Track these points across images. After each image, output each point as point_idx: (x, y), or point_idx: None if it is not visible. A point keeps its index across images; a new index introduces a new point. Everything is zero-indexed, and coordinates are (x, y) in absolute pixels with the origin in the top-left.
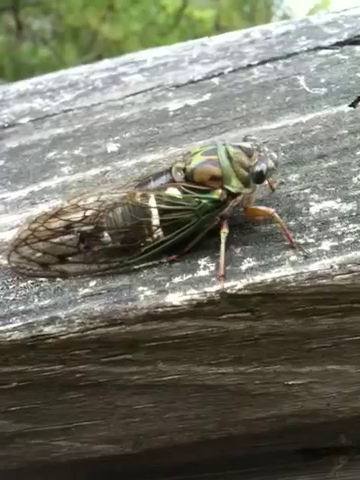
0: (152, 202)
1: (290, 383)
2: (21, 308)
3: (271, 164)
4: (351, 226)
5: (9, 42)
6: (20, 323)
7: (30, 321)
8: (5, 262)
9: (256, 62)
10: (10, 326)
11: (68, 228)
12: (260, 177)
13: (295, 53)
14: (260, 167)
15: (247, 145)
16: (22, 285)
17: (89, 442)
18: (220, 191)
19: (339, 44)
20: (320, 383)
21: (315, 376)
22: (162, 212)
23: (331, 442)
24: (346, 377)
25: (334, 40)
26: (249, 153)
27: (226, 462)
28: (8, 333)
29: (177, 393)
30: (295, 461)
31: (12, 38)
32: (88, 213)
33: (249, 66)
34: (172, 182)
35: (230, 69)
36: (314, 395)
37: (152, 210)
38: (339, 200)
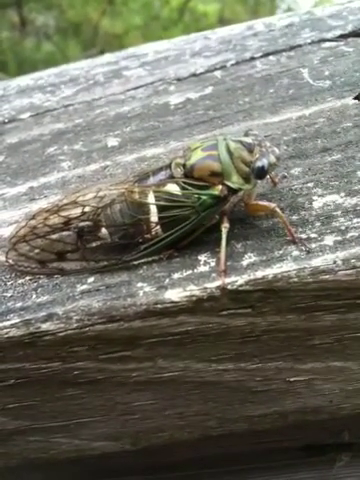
0: (151, 199)
1: (292, 380)
2: (19, 305)
3: (273, 159)
4: (355, 220)
5: (13, 38)
6: (18, 320)
7: (28, 318)
8: (3, 259)
9: (259, 55)
10: (7, 323)
11: (66, 224)
12: (261, 173)
13: (299, 45)
14: (261, 163)
15: (248, 140)
16: (20, 282)
17: (88, 439)
18: (220, 187)
19: (343, 36)
20: (322, 380)
21: (317, 373)
22: (161, 209)
23: (334, 439)
24: (349, 374)
25: (338, 32)
26: (250, 148)
27: (227, 459)
28: (5, 330)
29: (177, 390)
30: (297, 458)
31: (16, 34)
32: (86, 209)
33: (252, 59)
34: (171, 178)
35: (233, 62)
36: (316, 392)
37: (151, 207)
38: (343, 194)
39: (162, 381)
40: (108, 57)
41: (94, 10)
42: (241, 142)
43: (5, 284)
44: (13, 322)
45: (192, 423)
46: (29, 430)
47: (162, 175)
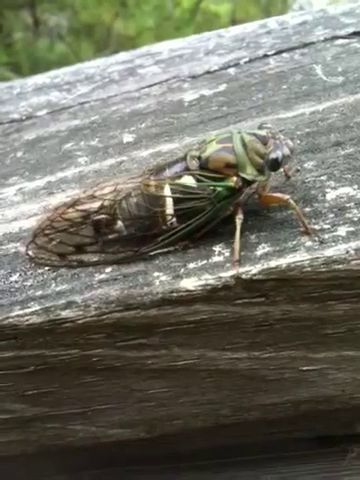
0: (167, 191)
1: (304, 369)
2: (39, 293)
3: (287, 151)
4: None
5: (26, 39)
6: (38, 307)
7: (47, 305)
8: (23, 250)
9: (272, 52)
10: (28, 310)
11: (85, 218)
12: (275, 165)
13: (312, 43)
14: (275, 154)
15: (262, 132)
16: (40, 271)
17: (104, 426)
18: (235, 179)
19: (356, 34)
20: (335, 369)
21: (330, 362)
22: (177, 201)
23: (346, 430)
24: None
25: (351, 30)
26: (264, 141)
27: (239, 449)
28: (26, 317)
29: (192, 378)
30: (309, 449)
31: (29, 34)
32: (104, 203)
33: (265, 56)
34: (187, 170)
35: (246, 59)
36: (329, 381)
37: (167, 199)
38: (356, 186)
39: (177, 369)
40: (123, 56)
41: (107, 11)
42: (255, 135)
43: (25, 273)
44: (33, 309)
45: (206, 411)
46: (47, 417)
47: (178, 167)
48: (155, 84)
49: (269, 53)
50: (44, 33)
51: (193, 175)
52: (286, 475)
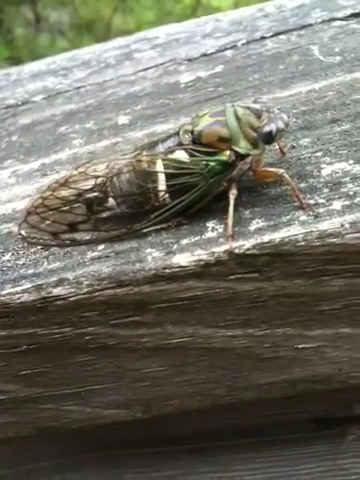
0: (159, 167)
1: (300, 347)
2: (30, 271)
3: (281, 125)
4: None
5: (27, 35)
6: (29, 285)
7: (39, 283)
8: (16, 230)
9: (270, 34)
10: (19, 288)
11: (77, 196)
12: (269, 138)
13: (309, 24)
14: (269, 127)
15: (256, 106)
16: (32, 250)
17: (99, 407)
18: (228, 152)
19: (354, 15)
20: (331, 347)
21: (326, 339)
22: (169, 177)
23: (344, 412)
24: (358, 341)
25: (349, 11)
26: (258, 114)
27: (237, 432)
28: (17, 295)
29: (186, 356)
30: (307, 431)
31: (30, 30)
32: (96, 181)
33: (263, 38)
34: (180, 145)
35: (243, 42)
36: (325, 359)
37: (159, 175)
38: (351, 162)
39: (171, 347)
40: (119, 41)
41: (106, 6)
42: (249, 108)
43: (17, 253)
44: (25, 287)
45: (202, 391)
46: (41, 398)
47: (171, 142)
48: (151, 67)
49: (266, 35)
50: (45, 29)
51: (186, 150)
52: (284, 458)
